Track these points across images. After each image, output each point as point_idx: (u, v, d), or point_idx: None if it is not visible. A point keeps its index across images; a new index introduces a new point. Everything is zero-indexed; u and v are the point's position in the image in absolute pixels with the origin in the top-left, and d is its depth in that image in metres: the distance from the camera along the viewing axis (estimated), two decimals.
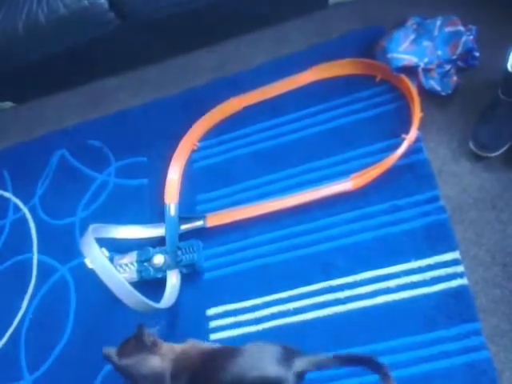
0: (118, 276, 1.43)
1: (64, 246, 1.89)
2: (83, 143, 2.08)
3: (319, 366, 1.16)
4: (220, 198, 1.77)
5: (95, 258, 1.45)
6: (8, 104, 2.37)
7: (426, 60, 1.63)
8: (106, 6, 1.77)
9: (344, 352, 1.12)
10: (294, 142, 1.77)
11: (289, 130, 1.79)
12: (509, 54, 1.40)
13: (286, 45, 1.97)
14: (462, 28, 1.62)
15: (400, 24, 1.72)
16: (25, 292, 1.86)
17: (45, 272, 1.88)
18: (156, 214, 1.79)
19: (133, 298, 1.43)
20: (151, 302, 1.47)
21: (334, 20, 1.93)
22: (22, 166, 2.16)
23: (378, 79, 1.74)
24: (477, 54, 1.61)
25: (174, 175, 1.83)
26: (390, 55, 1.65)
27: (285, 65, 1.91)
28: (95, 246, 1.46)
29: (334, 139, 1.72)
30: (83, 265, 1.60)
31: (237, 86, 1.93)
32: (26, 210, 2.03)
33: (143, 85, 2.17)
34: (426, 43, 1.65)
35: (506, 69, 1.39)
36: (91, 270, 1.46)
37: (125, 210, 1.87)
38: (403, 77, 1.64)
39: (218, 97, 1.90)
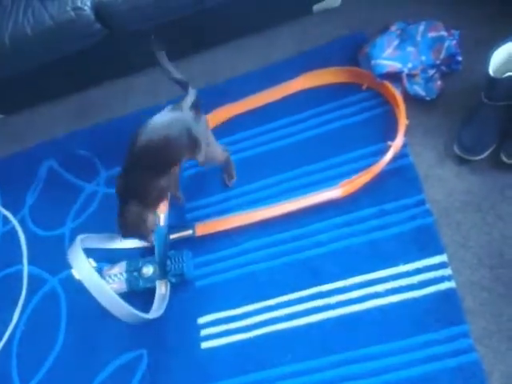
0: (106, 287, 1.43)
1: (54, 257, 1.88)
2: (72, 153, 2.09)
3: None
4: (210, 206, 1.78)
5: (82, 268, 1.45)
6: None
7: (409, 65, 1.65)
8: (92, 17, 1.77)
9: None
10: (282, 149, 1.78)
11: (277, 137, 1.81)
12: (490, 59, 1.42)
13: (271, 52, 1.99)
14: (444, 33, 1.64)
15: (383, 29, 1.74)
16: (15, 304, 1.85)
17: (35, 284, 1.87)
18: None
19: (121, 309, 1.43)
20: (140, 313, 1.47)
21: (319, 27, 1.95)
22: (11, 178, 2.16)
23: (364, 87, 1.75)
24: (460, 59, 1.63)
25: None
26: (373, 62, 1.67)
27: (272, 72, 1.93)
28: (82, 257, 1.46)
29: (322, 145, 1.73)
30: (73, 276, 1.60)
31: (226, 93, 1.94)
32: (15, 222, 2.03)
33: (132, 93, 2.18)
34: (409, 49, 1.66)
35: (488, 73, 1.41)
36: (79, 281, 1.46)
37: (114, 220, 1.86)
38: (389, 85, 1.66)
39: (208, 104, 1.90)
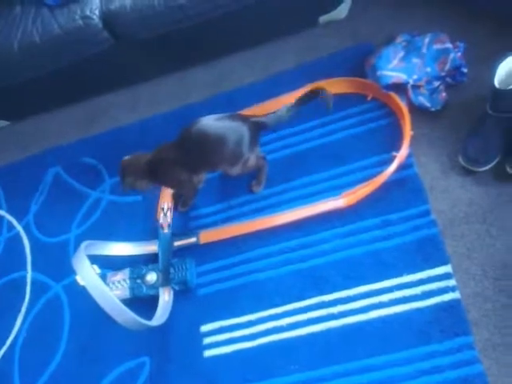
0: (109, 294, 1.43)
1: (58, 263, 1.89)
2: (77, 160, 2.10)
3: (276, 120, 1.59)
4: (213, 214, 1.78)
5: (86, 275, 1.45)
6: (3, 122, 2.39)
7: (415, 77, 1.65)
8: (100, 25, 1.80)
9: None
10: (285, 158, 1.79)
11: (280, 146, 1.81)
12: (496, 70, 1.43)
13: (278, 63, 2.01)
14: (450, 45, 1.65)
15: (389, 41, 1.75)
16: (19, 310, 1.86)
17: (39, 289, 1.88)
18: (149, 231, 1.79)
19: (124, 315, 1.42)
20: (143, 320, 1.46)
21: (325, 38, 1.97)
22: (17, 184, 2.17)
23: (369, 98, 1.76)
24: (465, 71, 1.64)
25: (168, 192, 1.83)
26: (379, 73, 1.67)
27: (278, 82, 1.94)
28: (87, 263, 1.46)
29: (326, 155, 1.74)
30: (76, 282, 1.60)
31: (232, 102, 1.95)
32: (20, 228, 2.04)
33: (138, 102, 2.20)
34: (415, 60, 1.67)
35: (493, 84, 1.42)
36: (83, 287, 1.46)
37: (119, 227, 1.87)
38: (394, 96, 1.66)
39: (214, 113, 1.91)
